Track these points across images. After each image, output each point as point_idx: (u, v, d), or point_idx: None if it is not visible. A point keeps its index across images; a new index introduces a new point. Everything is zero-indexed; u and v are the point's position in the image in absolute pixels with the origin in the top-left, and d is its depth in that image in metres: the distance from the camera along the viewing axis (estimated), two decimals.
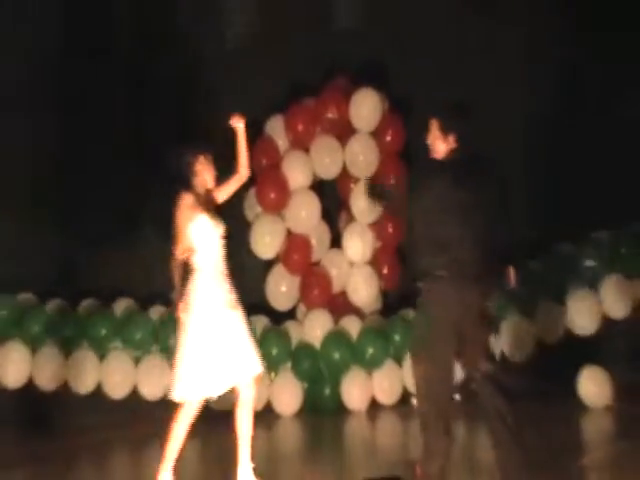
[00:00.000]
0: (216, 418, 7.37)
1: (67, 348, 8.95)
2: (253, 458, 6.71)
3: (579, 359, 8.59)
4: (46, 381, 8.81)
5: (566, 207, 9.37)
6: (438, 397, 5.95)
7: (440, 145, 6.18)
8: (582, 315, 8.96)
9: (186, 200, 6.43)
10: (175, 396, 6.42)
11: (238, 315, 6.52)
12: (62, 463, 7.63)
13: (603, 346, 8.97)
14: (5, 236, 9.17)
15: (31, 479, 7.41)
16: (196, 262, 6.47)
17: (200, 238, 6.44)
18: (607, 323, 8.97)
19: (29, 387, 8.77)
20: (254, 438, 6.75)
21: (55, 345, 8.92)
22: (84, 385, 8.84)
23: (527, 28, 9.49)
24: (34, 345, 8.91)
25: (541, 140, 9.52)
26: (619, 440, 7.72)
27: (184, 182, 6.47)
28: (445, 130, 6.15)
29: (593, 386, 8.41)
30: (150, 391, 8.85)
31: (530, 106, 9.48)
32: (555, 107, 9.56)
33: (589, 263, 9.02)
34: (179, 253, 6.47)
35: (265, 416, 7.24)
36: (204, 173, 6.45)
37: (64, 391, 8.82)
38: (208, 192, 6.58)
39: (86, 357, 8.92)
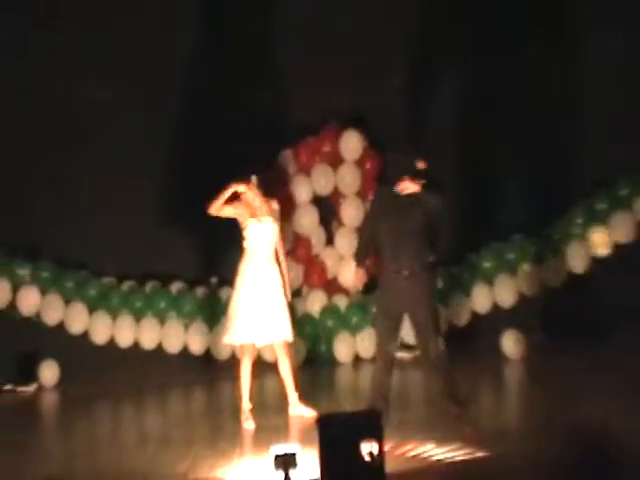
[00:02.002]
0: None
1: (137, 316, 9.82)
2: (268, 398, 7.93)
3: (503, 324, 9.56)
4: (123, 340, 9.81)
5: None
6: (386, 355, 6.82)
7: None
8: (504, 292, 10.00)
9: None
10: (226, 340, 7.31)
11: (279, 289, 7.22)
12: (140, 396, 8.96)
13: (520, 315, 9.81)
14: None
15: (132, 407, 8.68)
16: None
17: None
18: (522, 299, 9.92)
19: (109, 345, 9.82)
20: (270, 383, 8.06)
21: (129, 314, 9.81)
22: (149, 343, 9.83)
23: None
24: (114, 314, 9.80)
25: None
26: (529, 382, 8.83)
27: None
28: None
29: (512, 344, 9.36)
30: (196, 349, 9.82)
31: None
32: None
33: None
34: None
35: (277, 367, 7.65)
36: None
37: (135, 347, 9.85)
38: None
39: (150, 323, 9.82)
